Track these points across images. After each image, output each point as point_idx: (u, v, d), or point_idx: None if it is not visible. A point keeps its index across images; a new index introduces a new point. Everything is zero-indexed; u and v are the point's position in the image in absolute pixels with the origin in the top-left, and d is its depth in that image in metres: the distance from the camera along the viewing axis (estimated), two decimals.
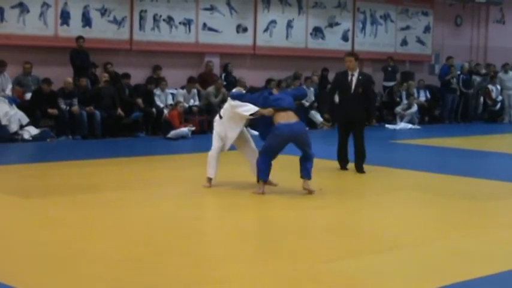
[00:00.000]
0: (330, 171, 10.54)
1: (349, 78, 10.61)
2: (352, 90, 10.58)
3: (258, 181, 8.92)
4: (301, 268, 5.66)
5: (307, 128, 9.18)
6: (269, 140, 8.83)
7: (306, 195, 8.74)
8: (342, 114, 10.78)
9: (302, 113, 9.10)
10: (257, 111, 8.88)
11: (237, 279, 5.36)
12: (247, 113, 8.94)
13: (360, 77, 10.64)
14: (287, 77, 18.61)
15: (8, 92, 14.38)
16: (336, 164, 10.83)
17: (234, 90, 9.75)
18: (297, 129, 8.76)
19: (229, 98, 9.33)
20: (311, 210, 8.15)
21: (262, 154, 8.83)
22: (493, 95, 21.63)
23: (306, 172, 8.80)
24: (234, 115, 9.05)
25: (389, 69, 20.52)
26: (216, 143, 9.14)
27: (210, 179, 9.09)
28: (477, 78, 21.91)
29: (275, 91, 9.38)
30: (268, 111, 8.80)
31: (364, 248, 6.39)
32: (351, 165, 10.66)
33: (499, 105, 21.63)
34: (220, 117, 9.18)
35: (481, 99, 21.87)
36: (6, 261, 5.67)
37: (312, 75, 18.91)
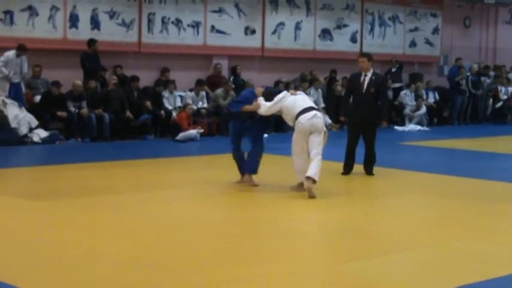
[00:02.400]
0: (338, 173, 10.51)
1: (362, 78, 10.49)
2: (364, 91, 10.44)
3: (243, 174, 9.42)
4: (310, 270, 5.65)
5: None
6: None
7: (315, 198, 8.73)
8: (353, 115, 10.66)
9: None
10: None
11: (248, 281, 5.36)
12: None
13: (373, 78, 10.47)
14: (294, 79, 18.61)
15: (25, 71, 14.36)
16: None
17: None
18: None
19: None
20: (320, 211, 8.14)
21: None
22: (501, 95, 21.61)
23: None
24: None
25: (394, 70, 20.45)
26: None
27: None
28: (486, 80, 21.86)
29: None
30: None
31: (374, 250, 6.38)
32: (359, 168, 10.60)
33: (500, 104, 21.56)
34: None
35: (490, 100, 21.82)
36: (16, 263, 5.69)
37: (310, 75, 18.76)
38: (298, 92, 9.34)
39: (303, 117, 8.78)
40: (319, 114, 8.94)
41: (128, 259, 5.85)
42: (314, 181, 8.57)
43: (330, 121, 18.07)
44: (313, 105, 9.12)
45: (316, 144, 8.76)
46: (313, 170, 8.55)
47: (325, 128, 8.94)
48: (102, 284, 5.21)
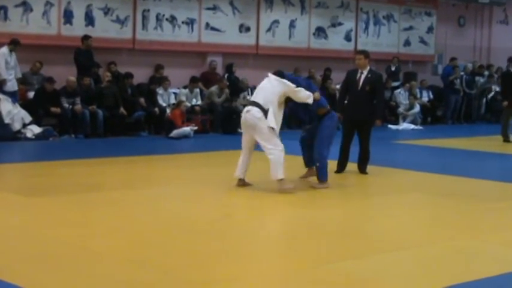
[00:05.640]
0: (332, 171, 10.48)
1: (358, 76, 10.44)
2: (359, 88, 10.38)
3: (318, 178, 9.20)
4: (304, 269, 5.64)
5: None
6: (330, 132, 9.19)
7: (308, 195, 8.72)
8: (347, 113, 10.60)
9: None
10: (314, 97, 8.97)
11: (242, 279, 5.35)
12: (310, 100, 8.88)
13: (369, 75, 10.41)
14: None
15: (18, 73, 14.33)
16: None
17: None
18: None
19: (278, 80, 8.75)
20: (313, 210, 8.14)
21: (326, 150, 9.10)
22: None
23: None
24: (282, 101, 8.79)
25: (393, 69, 20.49)
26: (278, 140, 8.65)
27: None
28: (480, 79, 21.89)
29: None
30: (318, 95, 9.09)
31: (368, 249, 6.38)
32: (353, 166, 10.59)
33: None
34: (265, 110, 8.52)
35: (484, 99, 21.85)
36: (9, 259, 5.67)
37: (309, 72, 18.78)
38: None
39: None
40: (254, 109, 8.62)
41: (122, 256, 5.83)
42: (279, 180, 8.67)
43: None
44: (257, 100, 8.69)
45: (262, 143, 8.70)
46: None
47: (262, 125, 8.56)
48: (96, 281, 5.19)
